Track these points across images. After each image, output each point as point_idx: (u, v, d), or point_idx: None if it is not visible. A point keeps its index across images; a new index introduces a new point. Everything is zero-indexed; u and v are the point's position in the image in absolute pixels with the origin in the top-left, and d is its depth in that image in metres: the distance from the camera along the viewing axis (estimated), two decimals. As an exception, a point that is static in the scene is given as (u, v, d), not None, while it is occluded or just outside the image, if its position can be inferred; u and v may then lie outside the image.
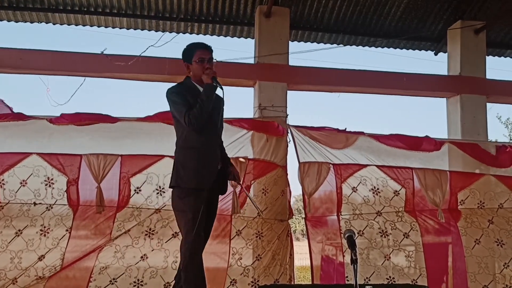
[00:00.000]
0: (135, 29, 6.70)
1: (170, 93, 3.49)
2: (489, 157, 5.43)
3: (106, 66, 5.80)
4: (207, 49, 3.56)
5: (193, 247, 3.32)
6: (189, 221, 3.33)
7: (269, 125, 5.11)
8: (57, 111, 5.96)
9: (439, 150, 5.23)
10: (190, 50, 3.56)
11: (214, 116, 3.48)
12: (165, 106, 3.61)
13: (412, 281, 4.83)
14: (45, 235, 4.49)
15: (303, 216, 5.08)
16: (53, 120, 4.66)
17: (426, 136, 5.27)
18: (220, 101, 3.56)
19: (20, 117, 4.65)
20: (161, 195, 4.68)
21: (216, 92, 3.41)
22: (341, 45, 7.08)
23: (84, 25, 6.57)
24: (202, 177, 3.36)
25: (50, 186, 4.60)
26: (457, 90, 6.58)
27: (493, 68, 7.32)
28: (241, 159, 4.82)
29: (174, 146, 4.72)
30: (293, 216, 5.12)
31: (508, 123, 14.50)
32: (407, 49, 7.33)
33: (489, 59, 7.06)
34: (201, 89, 3.46)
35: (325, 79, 6.44)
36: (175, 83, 3.60)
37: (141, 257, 4.51)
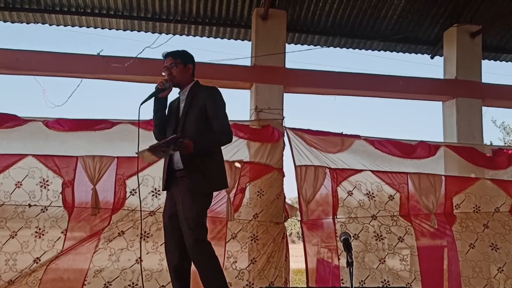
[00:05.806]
0: (131, 31, 6.69)
1: None
2: (485, 160, 5.45)
3: (102, 68, 5.78)
4: (164, 57, 3.65)
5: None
6: None
7: (264, 132, 5.08)
8: (54, 112, 5.95)
9: (435, 156, 5.24)
10: None
11: (171, 121, 3.56)
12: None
13: (406, 285, 4.84)
14: (40, 237, 4.48)
15: (299, 218, 5.07)
16: (49, 124, 4.66)
17: (421, 141, 5.28)
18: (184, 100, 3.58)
19: (17, 122, 4.64)
20: (156, 197, 4.68)
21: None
22: (337, 48, 7.10)
23: (80, 26, 6.56)
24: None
25: (45, 187, 4.60)
26: (453, 93, 6.59)
27: (489, 72, 7.35)
28: (237, 164, 4.80)
29: (170, 150, 4.74)
30: (290, 217, 5.11)
31: (503, 127, 14.57)
32: (404, 53, 7.35)
33: (485, 63, 7.11)
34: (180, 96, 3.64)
35: (321, 82, 6.43)
36: None
37: (136, 260, 4.50)
